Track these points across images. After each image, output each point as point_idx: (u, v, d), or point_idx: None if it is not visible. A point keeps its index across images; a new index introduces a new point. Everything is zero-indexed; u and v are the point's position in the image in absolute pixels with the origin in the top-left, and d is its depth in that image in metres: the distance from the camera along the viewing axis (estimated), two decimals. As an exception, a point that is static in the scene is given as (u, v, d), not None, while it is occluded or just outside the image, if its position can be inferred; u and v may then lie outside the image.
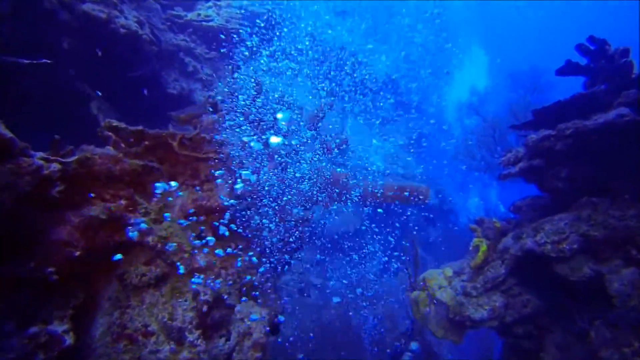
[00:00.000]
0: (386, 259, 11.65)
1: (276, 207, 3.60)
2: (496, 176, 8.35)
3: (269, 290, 3.96)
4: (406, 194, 3.52)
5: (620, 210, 3.26)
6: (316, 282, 11.17)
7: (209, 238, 3.17)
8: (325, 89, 11.77)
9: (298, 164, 3.73)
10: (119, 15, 5.99)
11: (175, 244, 2.67)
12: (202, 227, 3.10)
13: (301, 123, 4.21)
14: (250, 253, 3.62)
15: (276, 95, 4.07)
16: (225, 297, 3.07)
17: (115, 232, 2.44)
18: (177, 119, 3.88)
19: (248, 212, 3.53)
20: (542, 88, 5.92)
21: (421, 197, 3.43)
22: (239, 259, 3.46)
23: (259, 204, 3.50)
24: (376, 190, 3.50)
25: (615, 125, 3.33)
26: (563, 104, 4.26)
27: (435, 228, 11.89)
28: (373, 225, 9.88)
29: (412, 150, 11.87)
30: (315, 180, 3.78)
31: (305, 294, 10.71)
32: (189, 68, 9.00)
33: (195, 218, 2.98)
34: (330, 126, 11.46)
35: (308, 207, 3.88)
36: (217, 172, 3.23)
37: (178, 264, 2.66)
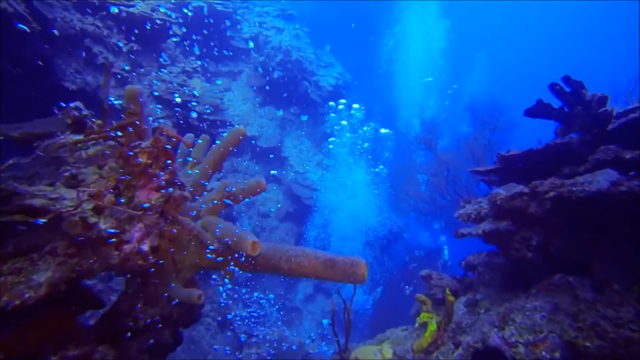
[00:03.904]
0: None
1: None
2: (447, 220, 7.86)
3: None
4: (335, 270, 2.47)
5: (612, 309, 2.50)
6: (240, 313, 9.86)
7: None
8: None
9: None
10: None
11: None
12: None
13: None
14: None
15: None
16: None
17: None
18: (9, 136, 2.52)
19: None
20: (504, 125, 5.31)
21: (354, 277, 2.41)
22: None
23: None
24: (293, 268, 2.42)
25: (608, 196, 2.59)
26: (535, 153, 3.55)
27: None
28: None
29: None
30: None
31: (225, 328, 9.39)
32: (97, 59, 7.39)
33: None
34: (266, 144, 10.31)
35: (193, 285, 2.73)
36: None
37: None
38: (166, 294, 2.78)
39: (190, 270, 2.81)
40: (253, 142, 10.28)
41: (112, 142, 2.53)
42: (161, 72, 8.76)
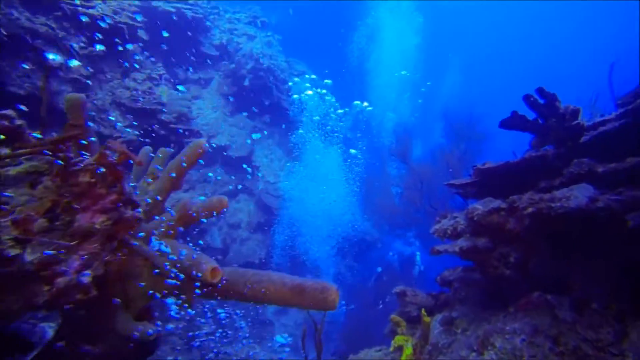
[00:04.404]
0: None
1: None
2: (421, 232, 7.79)
3: None
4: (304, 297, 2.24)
5: (592, 330, 2.40)
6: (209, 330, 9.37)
7: None
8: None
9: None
10: None
11: None
12: None
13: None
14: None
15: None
16: None
17: None
18: None
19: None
20: (478, 135, 5.26)
21: (324, 304, 2.19)
22: None
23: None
24: (257, 295, 2.18)
25: (587, 212, 2.51)
26: (511, 166, 3.48)
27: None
28: None
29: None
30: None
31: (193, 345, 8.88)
32: (51, 63, 6.89)
33: None
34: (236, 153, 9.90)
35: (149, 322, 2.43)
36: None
37: None
38: (114, 328, 2.46)
39: (143, 299, 2.50)
40: (224, 152, 9.92)
41: (49, 158, 2.21)
42: (125, 78, 8.30)
